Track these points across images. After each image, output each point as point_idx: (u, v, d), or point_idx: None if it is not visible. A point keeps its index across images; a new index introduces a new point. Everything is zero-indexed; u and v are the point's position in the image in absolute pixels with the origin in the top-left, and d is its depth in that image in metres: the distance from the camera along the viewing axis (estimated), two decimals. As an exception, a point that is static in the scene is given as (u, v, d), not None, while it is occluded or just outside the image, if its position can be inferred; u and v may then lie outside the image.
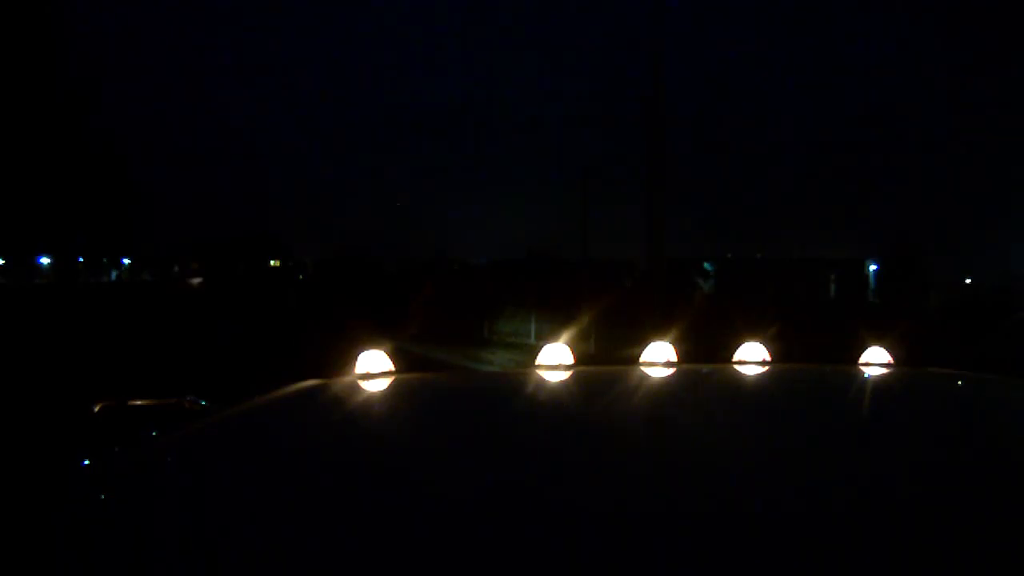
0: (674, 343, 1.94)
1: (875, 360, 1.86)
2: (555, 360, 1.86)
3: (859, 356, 1.89)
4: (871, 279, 40.81)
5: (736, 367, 1.89)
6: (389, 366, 1.74)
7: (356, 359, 1.74)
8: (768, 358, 1.92)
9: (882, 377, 1.78)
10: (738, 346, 1.97)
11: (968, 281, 37.55)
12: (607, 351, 14.12)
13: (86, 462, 1.15)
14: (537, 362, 1.87)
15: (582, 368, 1.87)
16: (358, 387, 1.64)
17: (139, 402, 1.70)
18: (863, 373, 1.81)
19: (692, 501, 0.91)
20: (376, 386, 1.65)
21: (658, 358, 1.89)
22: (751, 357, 1.93)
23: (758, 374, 1.84)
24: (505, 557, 0.76)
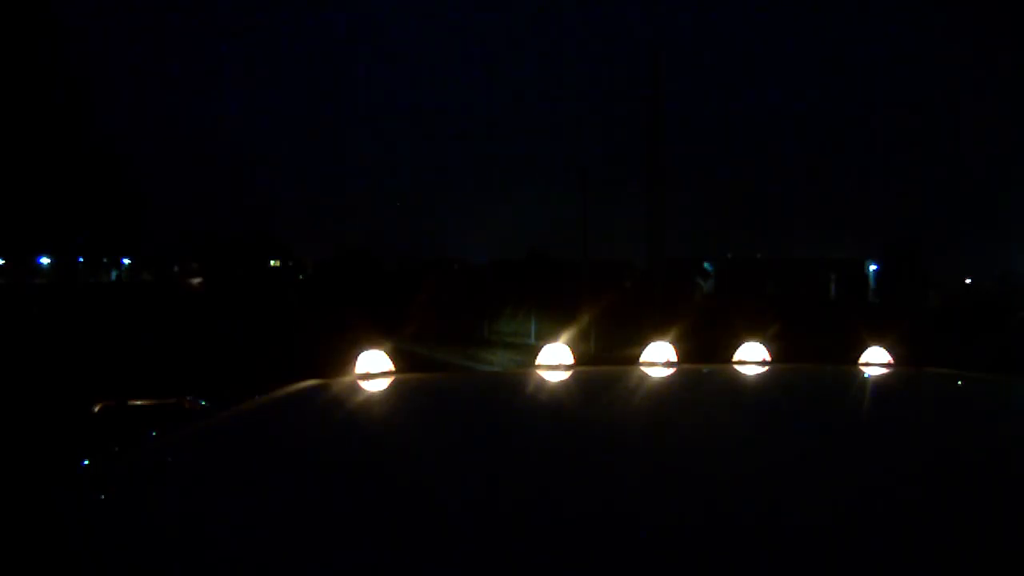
0: (674, 343, 1.94)
1: (875, 360, 1.86)
2: (555, 360, 1.86)
3: (859, 356, 1.89)
4: (871, 279, 40.81)
5: (736, 367, 1.89)
6: (389, 366, 1.74)
7: (356, 359, 1.74)
8: (768, 358, 1.92)
9: (882, 377, 1.78)
10: (738, 346, 1.97)
11: (968, 281, 37.58)
12: (607, 351, 14.11)
13: (86, 462, 1.15)
14: (537, 362, 1.87)
15: (582, 368, 1.87)
16: (358, 387, 1.64)
17: (139, 402, 1.70)
18: (863, 373, 1.81)
19: (692, 501, 0.91)
20: (376, 386, 1.66)
21: (658, 358, 1.89)
22: (751, 357, 1.93)
23: (758, 374, 1.84)
24: (505, 557, 0.76)
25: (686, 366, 1.90)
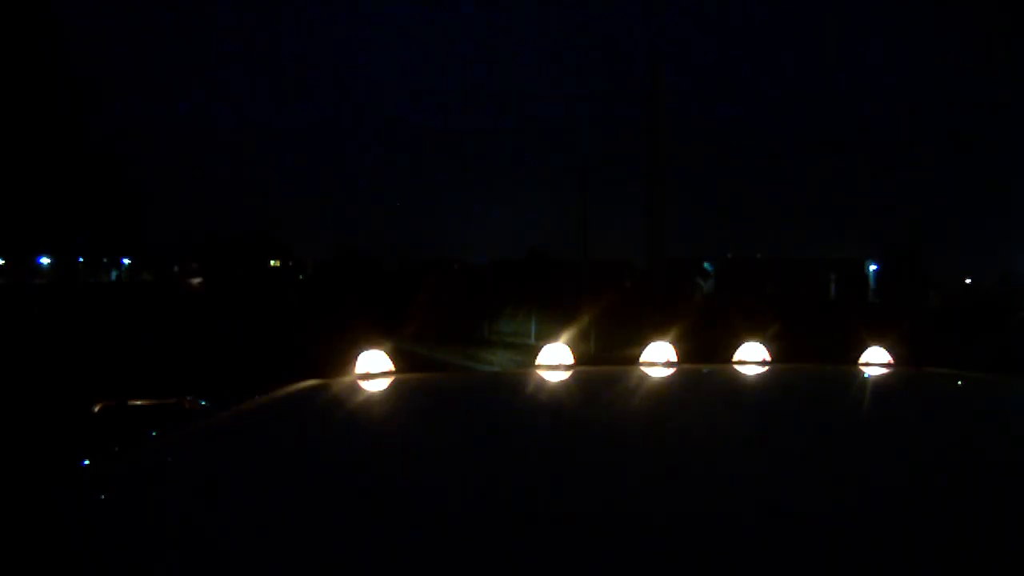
0: (674, 343, 1.94)
1: (875, 360, 1.86)
2: (555, 360, 1.86)
3: (859, 356, 1.89)
4: (871, 279, 40.78)
5: (736, 367, 1.89)
6: (389, 366, 1.74)
7: (356, 359, 1.74)
8: (768, 358, 1.92)
9: (882, 377, 1.78)
10: (738, 346, 1.97)
11: (968, 281, 37.59)
12: (607, 351, 14.11)
13: (86, 462, 1.15)
14: (537, 362, 1.87)
15: (582, 368, 1.87)
16: (358, 387, 1.64)
17: (139, 402, 1.70)
18: (863, 373, 1.81)
19: (692, 501, 0.91)
20: (376, 386, 1.66)
21: (658, 358, 1.89)
22: (751, 357, 1.93)
23: (758, 374, 1.84)
24: (505, 557, 0.76)
25: (686, 366, 1.90)
